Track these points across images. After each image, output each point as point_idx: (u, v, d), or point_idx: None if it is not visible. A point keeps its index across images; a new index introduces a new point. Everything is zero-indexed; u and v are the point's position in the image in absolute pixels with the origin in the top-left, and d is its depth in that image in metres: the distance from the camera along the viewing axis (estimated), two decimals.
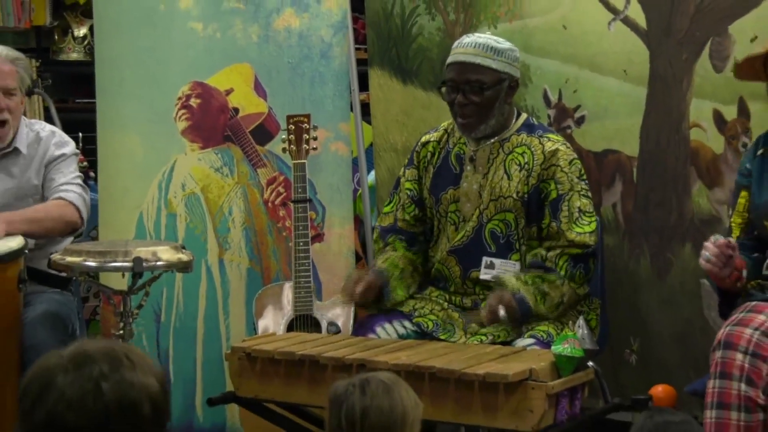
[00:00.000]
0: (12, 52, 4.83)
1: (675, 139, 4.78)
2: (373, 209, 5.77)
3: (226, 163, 5.44)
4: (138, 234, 5.34)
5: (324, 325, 5.04)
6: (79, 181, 4.85)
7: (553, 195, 4.43)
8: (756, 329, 3.86)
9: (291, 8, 5.46)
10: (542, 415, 3.81)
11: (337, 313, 5.09)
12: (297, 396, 4.22)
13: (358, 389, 3.03)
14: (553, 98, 5.10)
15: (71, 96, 6.81)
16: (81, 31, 6.96)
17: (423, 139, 4.71)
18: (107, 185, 5.42)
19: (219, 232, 5.41)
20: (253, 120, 5.46)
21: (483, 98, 4.45)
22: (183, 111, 5.41)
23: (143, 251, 4.37)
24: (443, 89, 4.54)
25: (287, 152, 5.20)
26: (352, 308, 5.15)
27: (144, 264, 4.33)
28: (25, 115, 4.98)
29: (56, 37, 6.98)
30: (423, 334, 4.50)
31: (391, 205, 4.72)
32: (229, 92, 5.44)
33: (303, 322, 5.05)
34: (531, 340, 4.31)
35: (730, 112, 4.60)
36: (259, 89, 5.46)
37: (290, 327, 5.05)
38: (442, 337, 4.46)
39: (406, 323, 4.55)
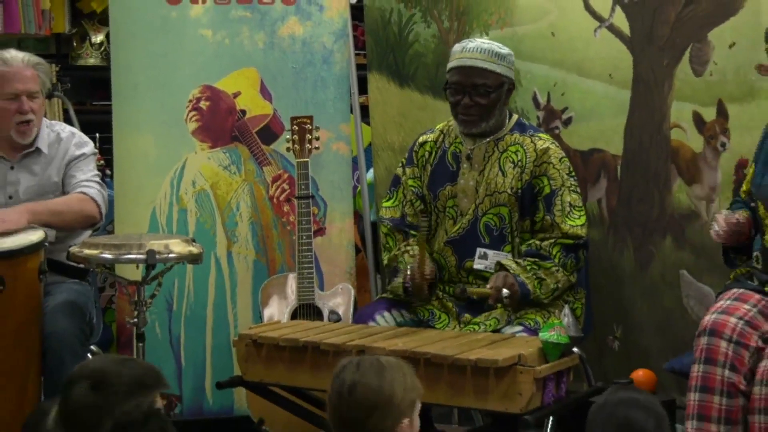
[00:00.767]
0: (33, 58, 4.82)
1: (657, 138, 4.77)
2: (371, 205, 5.76)
3: (233, 161, 5.43)
4: (151, 228, 5.34)
5: (326, 313, 5.04)
6: (98, 179, 4.84)
7: (546, 190, 4.44)
8: (740, 318, 3.86)
9: (295, 17, 5.46)
10: (530, 397, 3.82)
11: (338, 302, 5.09)
12: (300, 380, 4.21)
13: (354, 366, 3.04)
14: (542, 100, 5.09)
15: (89, 99, 6.80)
16: (98, 38, 6.95)
17: (420, 140, 4.72)
18: (122, 182, 5.41)
19: (227, 227, 5.41)
20: (259, 121, 5.46)
21: (488, 100, 4.48)
22: (193, 113, 5.40)
23: (156, 244, 4.36)
24: (447, 91, 4.54)
25: (291, 151, 5.20)
26: (352, 297, 5.15)
27: (157, 256, 4.31)
28: (45, 116, 4.97)
29: (75, 43, 6.96)
30: (419, 323, 4.50)
31: (392, 200, 4.71)
32: (236, 95, 5.44)
33: (306, 310, 5.04)
34: (519, 328, 4.32)
35: (709, 114, 4.59)
36: (264, 92, 5.45)
37: (294, 315, 5.04)
38: (437, 326, 4.46)
39: (404, 311, 4.55)
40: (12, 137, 4.74)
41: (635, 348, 4.88)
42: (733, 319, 3.86)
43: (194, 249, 4.47)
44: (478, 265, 4.48)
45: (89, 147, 4.89)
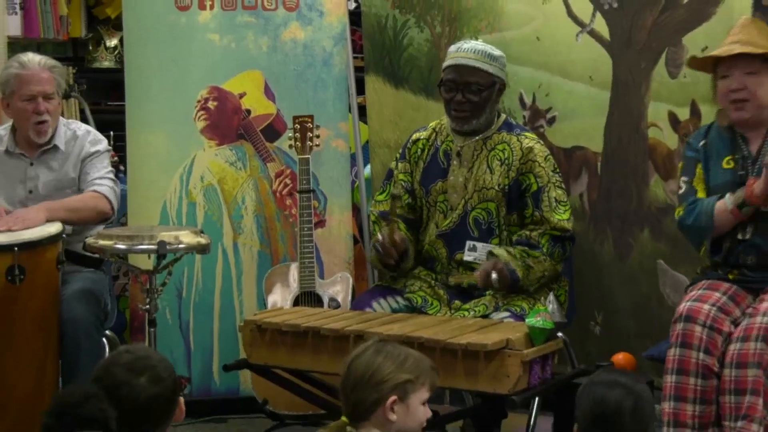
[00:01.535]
0: (49, 61, 4.81)
1: (635, 137, 4.77)
2: (369, 199, 5.74)
3: (239, 158, 5.42)
4: (162, 220, 5.34)
5: (326, 300, 5.03)
6: (111, 175, 4.83)
7: (534, 188, 4.44)
8: (713, 305, 3.87)
9: (297, 22, 5.45)
10: (517, 379, 3.82)
11: (337, 289, 5.09)
12: (302, 363, 4.21)
13: (366, 344, 3.09)
14: (528, 101, 5.08)
15: (104, 99, 6.78)
16: (112, 42, 6.93)
17: (413, 137, 4.71)
18: (135, 178, 5.40)
19: (233, 219, 5.40)
20: (263, 120, 5.45)
21: (480, 98, 4.47)
22: (202, 112, 5.40)
23: (167, 235, 4.36)
24: (441, 88, 4.54)
25: (293, 148, 5.19)
26: (351, 286, 5.15)
27: (167, 247, 4.32)
28: (62, 115, 4.97)
29: (90, 47, 6.95)
30: (413, 309, 4.50)
31: (385, 193, 4.71)
32: (242, 96, 5.43)
33: (307, 297, 5.04)
34: (507, 314, 4.31)
35: (684, 113, 4.60)
36: (268, 93, 5.45)
37: (296, 302, 5.04)
38: (430, 312, 4.46)
39: (399, 298, 4.55)
40: (29, 136, 4.74)
41: (615, 332, 4.88)
42: (706, 306, 3.87)
43: (202, 240, 4.47)
44: (467, 257, 4.48)
45: (103, 144, 4.89)
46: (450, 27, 5.30)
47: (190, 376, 5.32)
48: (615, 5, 4.77)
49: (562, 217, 4.41)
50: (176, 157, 5.39)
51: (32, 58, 4.78)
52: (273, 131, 5.45)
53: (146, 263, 4.58)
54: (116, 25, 6.76)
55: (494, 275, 4.25)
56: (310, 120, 5.17)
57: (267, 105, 5.45)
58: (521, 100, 5.08)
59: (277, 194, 5.42)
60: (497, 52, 4.53)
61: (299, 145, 5.14)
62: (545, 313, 3.98)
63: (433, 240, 4.57)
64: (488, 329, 4.04)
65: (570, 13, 4.91)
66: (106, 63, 6.97)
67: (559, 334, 4.00)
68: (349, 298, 5.08)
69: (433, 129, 4.68)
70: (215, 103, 5.41)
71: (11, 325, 4.33)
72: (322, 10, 5.47)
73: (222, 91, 5.42)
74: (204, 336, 5.36)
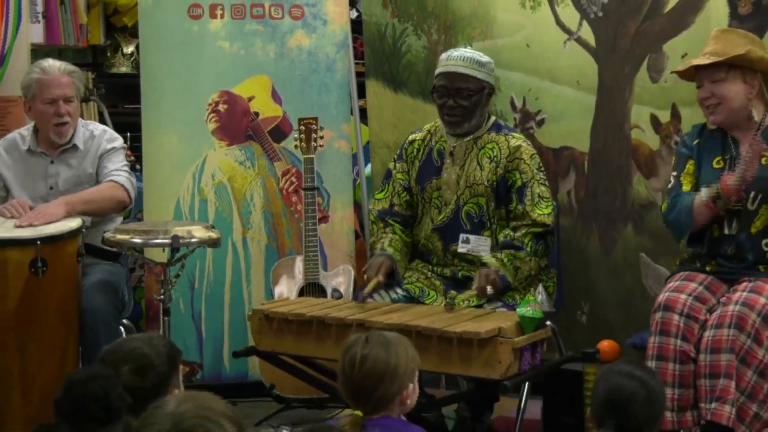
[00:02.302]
0: (69, 66, 4.81)
1: (619, 137, 4.77)
2: (369, 196, 5.74)
3: (248, 157, 5.42)
4: (176, 216, 5.33)
5: (329, 291, 5.03)
6: (127, 168, 4.83)
7: (518, 183, 4.43)
8: (689, 295, 3.88)
9: (302, 30, 5.45)
10: (509, 365, 3.81)
11: (340, 281, 5.09)
12: (307, 350, 4.21)
13: (363, 340, 3.05)
14: (519, 104, 5.08)
15: (121, 102, 6.77)
16: (129, 49, 6.92)
17: (410, 138, 4.71)
18: (150, 176, 5.40)
19: (242, 215, 5.40)
20: (270, 122, 5.45)
21: (470, 102, 4.46)
22: (213, 114, 5.39)
23: (180, 230, 4.35)
24: (434, 94, 4.54)
25: (299, 148, 5.18)
26: (352, 277, 5.14)
27: (180, 240, 4.31)
28: (82, 117, 4.97)
29: (108, 54, 6.93)
30: (411, 299, 4.49)
31: (384, 192, 4.70)
32: (250, 99, 5.43)
33: (311, 288, 5.04)
34: (499, 304, 4.31)
35: (665, 116, 4.60)
36: (275, 97, 5.44)
37: (301, 293, 5.04)
38: (427, 302, 4.45)
39: (398, 289, 4.54)
40: (50, 136, 4.74)
41: (601, 321, 4.88)
42: (683, 296, 3.88)
43: (213, 234, 4.46)
44: (461, 248, 4.47)
45: (119, 141, 4.89)
46: (445, 35, 5.30)
47: (202, 362, 5.32)
48: (600, 14, 4.76)
49: (543, 212, 4.40)
50: (189, 156, 5.39)
51: (53, 63, 4.78)
52: (279, 132, 5.44)
53: (161, 256, 4.58)
54: (133, 33, 6.75)
55: (489, 289, 4.25)
56: (314, 122, 5.17)
57: (274, 108, 5.45)
58: (512, 103, 5.08)
59: (284, 191, 5.42)
60: (485, 59, 4.52)
61: (304, 145, 5.13)
62: (535, 303, 3.98)
63: (428, 234, 4.57)
64: (482, 318, 4.04)
65: (558, 22, 4.90)
66: (123, 68, 6.96)
67: (548, 323, 4.00)
68: (351, 288, 5.07)
69: (428, 130, 4.68)
70: (225, 106, 5.41)
71: (35, 315, 4.33)
72: (325, 18, 5.46)
73: (232, 95, 5.41)
74: (215, 325, 5.35)
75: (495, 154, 4.48)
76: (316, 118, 5.19)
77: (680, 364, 3.81)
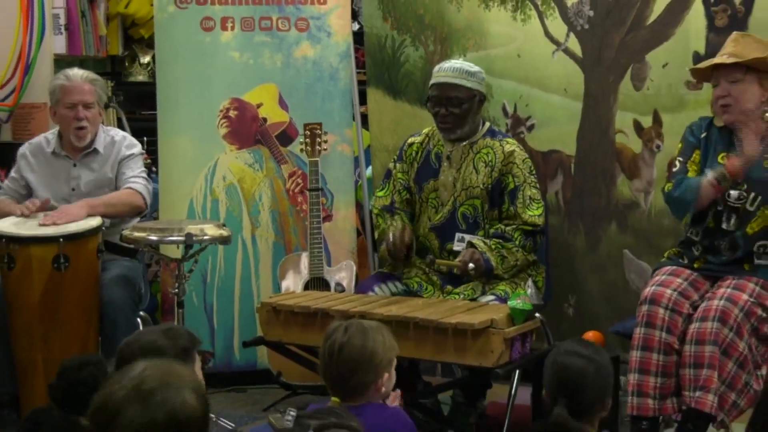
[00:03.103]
0: (91, 75, 4.82)
1: (603, 141, 4.76)
2: (370, 196, 5.74)
3: (257, 160, 5.41)
4: (189, 215, 5.32)
5: (332, 285, 5.03)
6: (144, 175, 4.84)
7: (511, 186, 4.43)
8: (674, 290, 3.88)
9: (307, 41, 5.44)
10: (500, 354, 3.82)
11: (343, 276, 5.08)
12: (311, 340, 4.20)
13: (342, 329, 3.00)
14: (510, 110, 5.07)
15: (138, 109, 6.75)
16: (146, 59, 6.91)
17: (409, 141, 4.71)
18: (165, 178, 5.39)
19: (251, 214, 5.39)
20: (277, 127, 5.44)
21: (460, 110, 4.46)
22: (224, 120, 5.38)
23: (193, 228, 4.36)
24: (428, 104, 4.54)
25: (304, 152, 5.18)
26: (354, 272, 5.14)
27: (194, 238, 4.31)
28: (102, 123, 4.97)
29: (126, 63, 6.92)
30: (409, 292, 4.49)
31: (384, 190, 4.71)
32: (259, 106, 5.42)
33: (316, 283, 5.03)
34: (492, 297, 4.31)
35: (647, 121, 4.60)
36: (282, 103, 5.43)
37: (306, 287, 5.03)
38: (425, 295, 4.45)
39: (397, 283, 4.55)
40: (71, 139, 4.75)
41: (586, 313, 4.87)
42: (669, 291, 3.87)
43: (224, 232, 4.47)
44: (457, 247, 4.47)
45: (137, 148, 4.89)
46: (442, 45, 5.29)
47: (214, 351, 5.31)
48: (586, 26, 4.76)
49: (533, 213, 4.40)
50: (201, 159, 5.38)
51: (76, 72, 4.79)
52: (286, 137, 5.44)
53: (175, 252, 4.59)
54: (149, 44, 6.75)
55: (471, 265, 4.25)
56: (318, 127, 5.16)
57: (281, 114, 5.44)
58: (504, 109, 5.08)
59: (290, 192, 5.41)
60: (475, 69, 4.52)
61: (309, 149, 5.13)
62: (525, 296, 3.98)
63: (426, 232, 4.57)
64: (475, 310, 4.04)
65: (547, 34, 4.90)
66: (140, 77, 6.96)
67: (537, 314, 4.00)
68: (353, 283, 5.06)
69: (427, 134, 4.67)
70: (236, 113, 5.40)
71: (58, 307, 4.34)
72: (329, 30, 5.45)
73: (241, 102, 5.40)
74: (226, 316, 5.35)
75: (490, 158, 4.47)
76: (320, 124, 5.18)
77: (664, 355, 3.81)
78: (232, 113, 5.40)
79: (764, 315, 3.78)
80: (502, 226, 4.40)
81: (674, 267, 4.02)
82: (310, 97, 5.44)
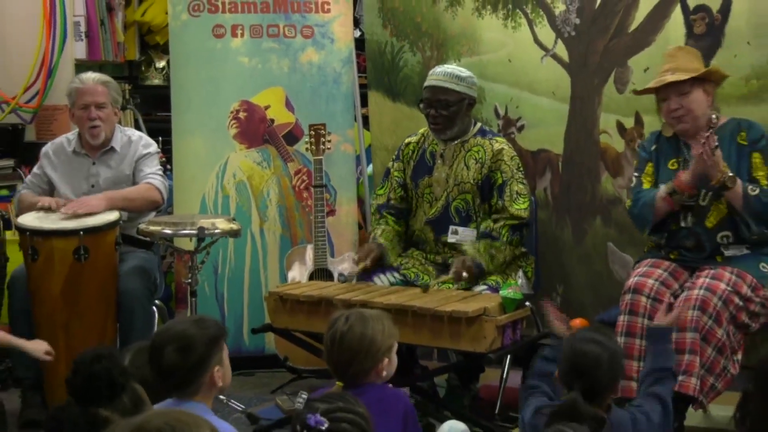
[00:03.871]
0: (104, 77, 4.83)
1: (589, 141, 4.76)
2: (371, 192, 5.74)
3: (265, 159, 5.41)
4: (201, 210, 5.33)
5: (335, 275, 5.02)
6: (161, 172, 4.84)
7: (499, 181, 4.44)
8: (656, 280, 3.89)
9: (312, 47, 5.43)
10: (493, 340, 3.82)
11: (346, 266, 5.07)
12: (316, 326, 4.19)
13: (343, 319, 3.00)
14: (502, 112, 5.06)
15: (154, 111, 6.75)
16: (161, 64, 6.90)
17: (406, 141, 4.72)
18: (179, 175, 5.40)
19: (260, 209, 5.39)
20: (284, 128, 5.44)
21: (449, 112, 4.46)
22: (234, 121, 5.38)
23: (205, 222, 4.36)
24: (421, 105, 4.54)
25: (309, 151, 5.17)
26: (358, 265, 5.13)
27: (206, 231, 4.32)
28: (120, 123, 4.96)
29: (143, 68, 6.92)
30: (407, 282, 4.49)
31: (383, 188, 4.71)
32: (267, 108, 5.42)
33: (320, 273, 5.03)
34: (484, 287, 4.31)
35: (629, 122, 4.59)
36: (288, 106, 5.43)
37: (311, 277, 5.03)
38: (420, 284, 4.44)
39: (395, 274, 4.54)
40: (86, 137, 4.75)
41: (573, 302, 4.87)
42: (650, 281, 3.88)
43: (234, 226, 4.47)
44: (451, 239, 4.48)
45: (153, 147, 4.89)
46: (438, 51, 5.28)
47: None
48: (573, 33, 4.75)
49: (520, 206, 4.41)
50: (213, 158, 5.38)
51: (89, 75, 4.80)
52: (292, 137, 5.44)
53: (188, 245, 4.59)
54: (164, 49, 6.75)
55: (464, 274, 4.25)
56: (322, 128, 5.16)
57: (287, 115, 5.44)
58: (496, 111, 5.07)
59: (296, 189, 5.41)
60: (465, 73, 4.51)
61: (314, 148, 5.12)
62: (515, 286, 3.99)
63: (422, 226, 4.58)
64: (469, 299, 4.04)
65: (536, 40, 4.89)
66: (156, 81, 6.95)
67: (527, 303, 4.00)
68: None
69: (422, 134, 4.68)
70: (245, 114, 5.40)
71: (78, 296, 4.35)
72: (332, 37, 5.45)
73: (250, 104, 5.40)
74: (236, 305, 5.35)
75: (480, 156, 4.48)
76: (324, 124, 5.18)
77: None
78: (241, 115, 5.40)
79: (741, 303, 3.78)
80: (491, 224, 4.40)
81: (655, 259, 4.03)
82: (315, 99, 5.44)
